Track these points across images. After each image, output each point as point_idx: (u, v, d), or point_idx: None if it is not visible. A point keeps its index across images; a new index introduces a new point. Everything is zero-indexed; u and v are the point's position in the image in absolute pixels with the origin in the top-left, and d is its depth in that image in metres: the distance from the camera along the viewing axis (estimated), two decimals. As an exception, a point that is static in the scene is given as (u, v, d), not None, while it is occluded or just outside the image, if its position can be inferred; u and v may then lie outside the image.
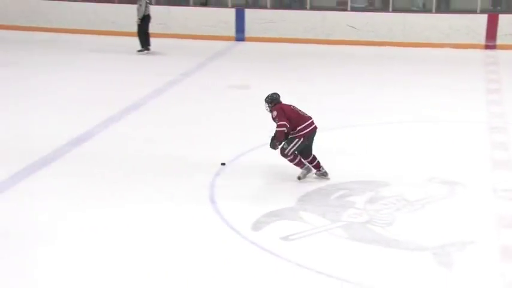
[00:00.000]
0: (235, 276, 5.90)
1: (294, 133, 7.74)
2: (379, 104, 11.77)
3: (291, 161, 7.89)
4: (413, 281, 5.85)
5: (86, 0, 18.97)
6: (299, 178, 7.99)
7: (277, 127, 7.75)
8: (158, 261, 6.13)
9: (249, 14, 18.32)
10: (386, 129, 10.35)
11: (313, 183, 7.93)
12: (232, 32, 18.26)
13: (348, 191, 7.73)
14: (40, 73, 13.93)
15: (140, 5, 15.96)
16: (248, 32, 18.22)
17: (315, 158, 7.98)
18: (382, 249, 6.39)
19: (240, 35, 18.23)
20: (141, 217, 7.09)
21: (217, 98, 12.16)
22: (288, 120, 7.68)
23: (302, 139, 7.74)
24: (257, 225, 6.85)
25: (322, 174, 8.06)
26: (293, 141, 7.72)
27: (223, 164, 8.52)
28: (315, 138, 7.94)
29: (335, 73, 14.65)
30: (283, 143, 7.77)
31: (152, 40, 16.15)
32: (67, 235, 6.65)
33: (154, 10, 18.35)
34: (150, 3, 16.39)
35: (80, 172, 8.31)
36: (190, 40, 17.90)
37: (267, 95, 8.02)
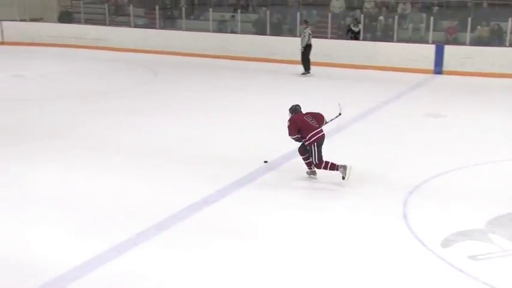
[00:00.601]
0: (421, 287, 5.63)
1: (306, 141, 8.12)
2: None
3: (325, 169, 8.11)
4: None
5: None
6: (343, 178, 8.08)
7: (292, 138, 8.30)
8: (349, 264, 6.05)
9: (448, 49, 17.61)
10: None
11: (504, 208, 7.34)
12: (431, 65, 17.65)
13: (541, 219, 7.05)
14: (258, 95, 14.48)
15: (304, 36, 16.89)
16: (446, 65, 17.50)
17: (308, 157, 8.24)
18: None
19: (438, 68, 17.57)
20: (338, 224, 7.06)
21: (413, 124, 11.78)
22: (299, 130, 8.13)
23: (315, 144, 8.08)
24: (446, 243, 6.48)
25: (312, 173, 8.36)
26: (311, 152, 8.11)
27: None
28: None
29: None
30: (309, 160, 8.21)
31: (358, 71, 16.27)
32: (270, 232, 6.81)
33: (363, 45, 18.48)
34: (312, 36, 17.03)
35: (287, 182, 8.46)
36: (392, 72, 17.60)
37: (291, 106, 8.42)
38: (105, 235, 6.67)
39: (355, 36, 18.95)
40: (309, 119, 8.22)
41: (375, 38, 19.22)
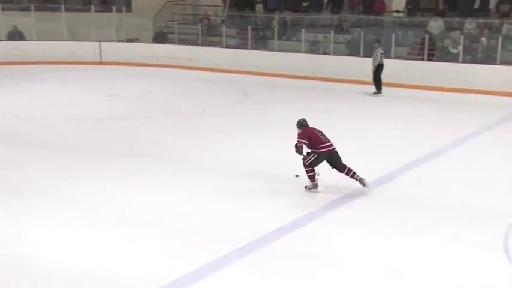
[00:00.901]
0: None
1: (313, 149, 8.64)
2: None
3: (307, 172, 8.66)
4: None
5: (398, 57, 19.08)
6: (305, 187, 8.73)
7: (297, 142, 8.68)
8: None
9: (558, 71, 16.71)
10: None
11: None
12: (538, 90, 16.81)
13: None
14: (348, 118, 14.27)
15: (376, 55, 16.90)
16: (557, 90, 16.60)
17: (349, 170, 8.69)
18: None
19: (546, 93, 16.70)
20: (431, 256, 6.75)
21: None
22: (308, 139, 8.62)
23: (317, 155, 8.61)
24: (552, 281, 6.05)
25: (359, 181, 8.65)
26: (310, 155, 8.64)
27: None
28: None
29: None
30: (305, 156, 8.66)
31: (457, 95, 15.89)
32: (358, 262, 6.63)
33: (462, 67, 17.89)
34: (384, 56, 17.08)
35: (378, 208, 8.27)
36: (493, 96, 16.85)
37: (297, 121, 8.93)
38: (191, 255, 6.71)
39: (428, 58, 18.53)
40: (319, 134, 8.78)
41: (475, 60, 18.52)
